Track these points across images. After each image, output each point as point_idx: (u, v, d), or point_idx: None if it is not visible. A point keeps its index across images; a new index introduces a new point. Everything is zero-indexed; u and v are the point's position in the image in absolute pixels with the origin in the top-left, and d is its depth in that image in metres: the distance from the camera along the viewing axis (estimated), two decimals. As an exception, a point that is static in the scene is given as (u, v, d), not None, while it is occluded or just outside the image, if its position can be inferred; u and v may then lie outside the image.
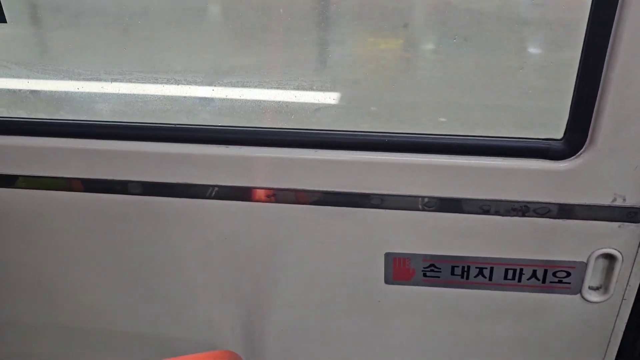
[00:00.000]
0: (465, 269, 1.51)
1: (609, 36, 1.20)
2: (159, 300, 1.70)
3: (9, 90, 1.84)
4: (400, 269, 1.54)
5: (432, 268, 1.52)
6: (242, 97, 1.62)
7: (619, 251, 1.42)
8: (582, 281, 1.48)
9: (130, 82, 1.68)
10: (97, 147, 1.52)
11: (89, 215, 1.61)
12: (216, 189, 1.51)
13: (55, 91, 1.77)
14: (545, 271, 1.48)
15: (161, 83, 1.66)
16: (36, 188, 1.59)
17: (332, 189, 1.47)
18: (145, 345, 1.79)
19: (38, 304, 1.77)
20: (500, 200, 1.41)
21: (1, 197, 1.61)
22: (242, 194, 1.51)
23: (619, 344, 1.57)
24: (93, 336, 1.80)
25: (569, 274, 1.47)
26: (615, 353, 1.58)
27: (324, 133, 1.48)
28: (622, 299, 1.49)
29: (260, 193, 1.50)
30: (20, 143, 1.55)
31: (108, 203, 1.57)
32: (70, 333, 1.81)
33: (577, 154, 1.33)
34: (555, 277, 1.48)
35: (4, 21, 1.55)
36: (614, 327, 1.53)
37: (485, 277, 1.51)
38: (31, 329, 1.83)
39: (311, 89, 1.60)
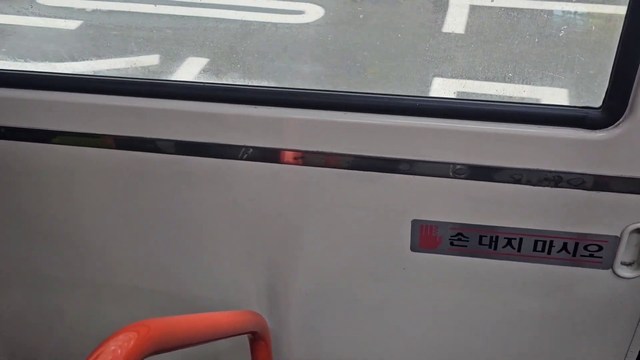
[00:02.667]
0: (494, 239, 1.48)
1: None
2: (185, 258, 1.71)
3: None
4: (427, 237, 1.52)
5: (460, 237, 1.50)
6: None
7: None
8: (614, 256, 1.44)
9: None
10: (129, 104, 1.52)
11: (119, 173, 1.62)
12: (245, 149, 1.50)
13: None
14: (577, 244, 1.44)
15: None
16: (69, 144, 1.60)
17: (361, 153, 1.45)
18: (172, 303, 1.81)
19: (68, 259, 1.81)
20: (533, 170, 1.37)
21: (36, 152, 1.63)
22: (271, 155, 1.50)
23: None
24: (120, 291, 1.83)
25: (600, 248, 1.44)
26: None
27: (354, 95, 1.45)
28: None
29: (289, 155, 1.49)
30: (54, 98, 1.56)
31: (138, 161, 1.57)
32: (98, 288, 1.85)
33: (615, 124, 1.28)
34: (586, 250, 1.45)
35: None
36: None
37: (513, 248, 1.48)
38: (60, 282, 1.87)
39: None
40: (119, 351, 0.90)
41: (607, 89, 1.27)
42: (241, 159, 1.51)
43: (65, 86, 1.57)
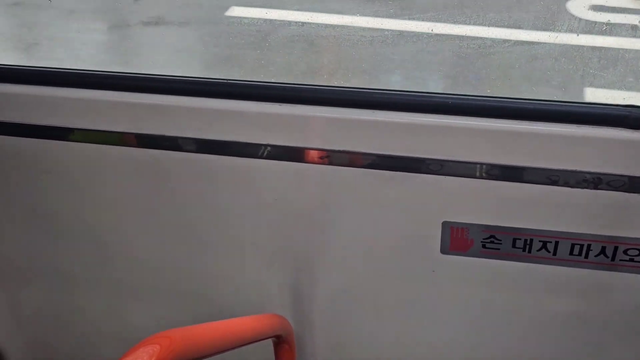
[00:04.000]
0: (528, 242, 1.43)
1: None
2: (207, 258, 1.68)
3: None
4: (458, 239, 1.47)
5: (492, 239, 1.44)
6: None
7: None
8: None
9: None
10: (150, 101, 1.49)
11: (140, 171, 1.59)
12: (269, 148, 1.46)
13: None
14: (616, 248, 1.38)
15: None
16: (89, 142, 1.57)
17: (389, 153, 1.40)
18: (192, 303, 1.78)
19: (88, 257, 1.78)
20: (571, 171, 1.31)
21: (54, 149, 1.60)
22: (295, 154, 1.45)
23: None
24: (141, 291, 1.81)
25: (641, 253, 1.37)
26: None
27: (382, 93, 1.40)
28: None
29: (314, 154, 1.45)
30: (74, 95, 1.53)
31: (160, 159, 1.54)
32: (118, 287, 1.82)
33: None
34: (626, 254, 1.38)
35: None
36: None
37: (549, 252, 1.42)
38: (82, 281, 1.85)
39: None
40: (142, 364, 0.86)
41: (653, 86, 1.21)
42: (265, 157, 1.47)
43: (84, 83, 1.54)
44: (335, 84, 1.43)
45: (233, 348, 1.19)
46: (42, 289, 1.90)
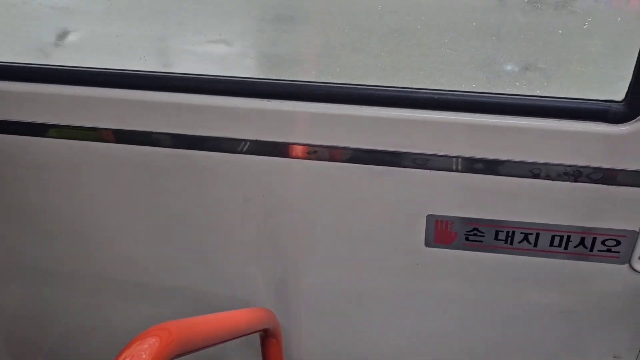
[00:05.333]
0: (510, 234, 1.46)
1: None
2: (192, 253, 1.68)
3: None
4: (442, 232, 1.50)
5: (476, 232, 1.48)
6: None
7: None
8: (632, 251, 1.42)
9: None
10: (133, 97, 1.48)
11: (124, 167, 1.58)
12: (255, 143, 1.47)
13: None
14: (594, 239, 1.43)
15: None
16: (71, 138, 1.57)
17: (374, 147, 1.42)
18: (180, 299, 1.78)
19: (70, 254, 1.77)
20: (552, 164, 1.35)
21: (35, 146, 1.59)
22: (281, 149, 1.47)
23: None
24: (125, 288, 1.80)
25: (618, 243, 1.42)
26: None
27: (367, 88, 1.42)
28: None
29: (300, 149, 1.46)
30: (55, 91, 1.52)
31: (146, 155, 1.54)
32: (105, 284, 1.81)
33: (638, 118, 1.26)
34: (604, 245, 1.43)
35: None
36: None
37: (530, 243, 1.46)
38: (64, 279, 1.84)
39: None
40: (144, 355, 0.86)
41: (630, 82, 1.25)
42: (251, 153, 1.48)
43: (63, 79, 1.53)
44: (322, 80, 1.44)
45: (225, 341, 1.20)
46: (24, 286, 1.88)
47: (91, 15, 2.22)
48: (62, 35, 2.09)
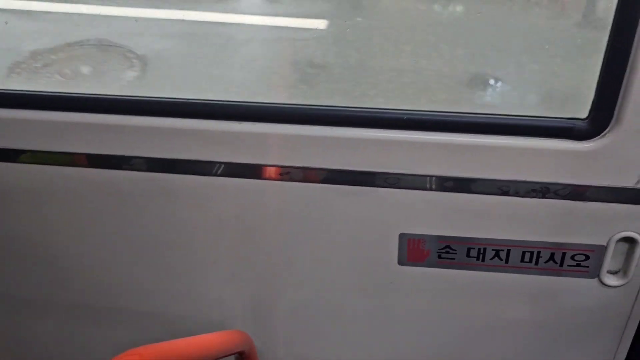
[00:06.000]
0: (482, 251, 1.48)
1: (639, 12, 1.16)
2: (167, 277, 1.67)
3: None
4: (415, 250, 1.51)
5: (448, 249, 1.49)
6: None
7: None
8: (601, 265, 1.44)
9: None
10: (104, 121, 1.48)
11: (96, 192, 1.57)
12: (228, 166, 1.47)
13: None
14: (564, 254, 1.45)
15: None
16: (42, 163, 1.55)
17: (346, 168, 1.43)
18: (154, 324, 1.76)
19: (42, 281, 1.75)
20: (520, 181, 1.37)
21: (8, 172, 1.57)
22: (254, 171, 1.47)
23: (635, 329, 1.54)
24: (101, 314, 1.78)
25: (587, 258, 1.44)
26: (631, 338, 1.56)
27: (338, 110, 1.43)
28: None
29: (273, 171, 1.47)
30: (25, 117, 1.51)
31: (117, 179, 1.53)
32: (78, 310, 1.79)
33: (601, 134, 1.29)
34: (573, 260, 1.45)
35: None
36: (631, 311, 1.51)
37: (501, 260, 1.48)
38: (36, 305, 1.81)
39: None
40: (113, 383, 0.86)
41: (593, 99, 1.28)
42: (224, 175, 1.49)
43: (36, 104, 1.52)
44: (292, 102, 1.46)
45: None
46: None
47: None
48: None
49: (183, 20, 2.14)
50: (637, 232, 1.39)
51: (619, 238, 1.40)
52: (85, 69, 2.00)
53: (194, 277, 1.66)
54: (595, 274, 1.46)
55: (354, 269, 1.57)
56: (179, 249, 1.63)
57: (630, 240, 1.41)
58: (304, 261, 1.58)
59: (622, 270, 1.46)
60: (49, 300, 1.80)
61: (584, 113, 1.30)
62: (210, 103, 1.46)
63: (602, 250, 1.42)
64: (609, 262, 1.44)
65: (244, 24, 2.17)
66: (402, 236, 1.49)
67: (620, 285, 1.46)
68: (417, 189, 1.43)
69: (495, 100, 1.69)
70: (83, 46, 2.06)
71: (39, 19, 2.29)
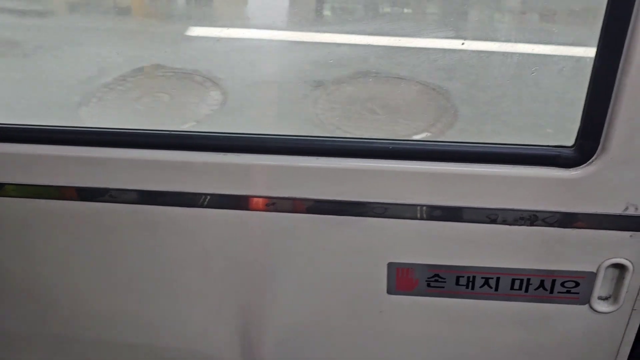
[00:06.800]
0: (471, 279, 1.47)
1: (624, 41, 1.16)
2: (153, 309, 1.65)
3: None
4: (404, 279, 1.49)
5: (437, 278, 1.48)
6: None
7: (629, 261, 1.38)
8: (591, 291, 1.43)
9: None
10: (86, 154, 1.46)
11: (80, 224, 1.55)
12: (213, 197, 1.45)
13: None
14: (554, 281, 1.44)
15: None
16: (21, 196, 1.53)
17: (334, 198, 1.42)
18: (140, 356, 1.73)
19: (28, 313, 1.72)
20: (508, 209, 1.36)
21: None
22: (240, 202, 1.45)
23: (627, 356, 1.53)
24: (86, 346, 1.75)
25: (577, 284, 1.43)
26: None
27: (324, 140, 1.43)
28: (632, 309, 1.45)
29: (259, 202, 1.45)
30: (6, 150, 1.49)
31: (102, 212, 1.51)
32: (63, 343, 1.76)
33: (588, 162, 1.28)
34: (563, 287, 1.44)
35: None
36: (623, 337, 1.50)
37: (491, 288, 1.47)
38: (23, 338, 1.78)
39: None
40: None
41: (579, 127, 1.27)
42: (209, 206, 1.47)
43: (17, 137, 1.50)
44: (276, 132, 1.45)
45: None
46: None
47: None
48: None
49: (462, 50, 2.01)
50: (626, 259, 1.38)
51: (608, 264, 1.39)
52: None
53: (180, 309, 1.64)
54: (586, 300, 1.45)
55: (343, 299, 1.55)
56: (165, 281, 1.60)
57: (620, 267, 1.40)
58: (292, 292, 1.56)
59: (612, 297, 1.44)
60: (33, 332, 1.76)
61: (570, 141, 1.30)
62: (193, 134, 1.45)
63: (592, 276, 1.41)
64: (599, 289, 1.43)
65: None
66: (390, 265, 1.48)
67: (611, 312, 1.45)
68: (404, 218, 1.41)
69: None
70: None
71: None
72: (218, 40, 2.23)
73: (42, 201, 1.52)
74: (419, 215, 1.40)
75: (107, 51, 2.22)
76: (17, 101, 1.97)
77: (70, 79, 2.11)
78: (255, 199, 1.44)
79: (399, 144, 1.38)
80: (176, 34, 2.35)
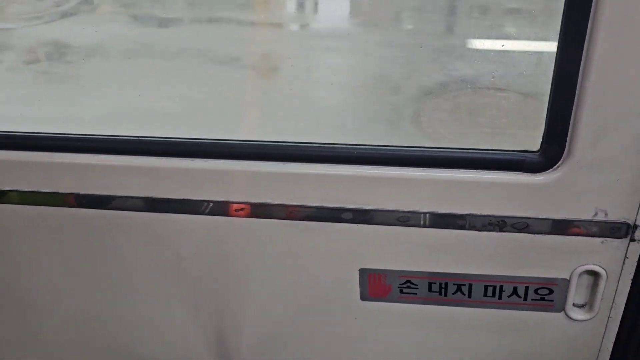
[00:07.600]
0: (443, 286, 1.45)
1: (583, 44, 1.14)
2: (129, 315, 1.66)
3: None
4: (376, 285, 1.48)
5: (409, 284, 1.46)
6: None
7: (602, 268, 1.35)
8: (566, 298, 1.41)
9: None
10: (64, 160, 1.48)
11: (55, 228, 1.57)
12: (184, 203, 1.46)
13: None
14: (527, 288, 1.41)
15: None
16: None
17: (305, 203, 1.41)
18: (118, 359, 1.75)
19: (7, 321, 1.74)
20: (476, 215, 1.34)
21: None
22: (214, 208, 1.46)
23: None
24: (63, 352, 1.77)
25: (551, 291, 1.41)
26: None
27: (294, 145, 1.42)
28: (608, 318, 1.42)
29: (233, 207, 1.45)
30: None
31: (74, 217, 1.52)
32: (40, 348, 1.78)
33: (554, 167, 1.26)
34: (537, 294, 1.42)
35: None
36: (600, 346, 1.46)
37: (464, 294, 1.45)
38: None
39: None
40: None
41: (544, 132, 1.25)
42: (183, 212, 1.47)
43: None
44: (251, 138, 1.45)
45: None
46: None
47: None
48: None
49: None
50: (599, 265, 1.35)
51: (582, 271, 1.36)
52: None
53: (158, 312, 1.65)
54: (561, 307, 1.42)
55: (317, 305, 1.55)
56: (143, 285, 1.61)
57: (594, 274, 1.37)
58: (267, 298, 1.56)
59: (588, 304, 1.42)
60: (12, 336, 1.78)
61: (536, 146, 1.28)
62: (161, 141, 1.45)
63: (565, 283, 1.39)
64: (573, 296, 1.40)
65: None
66: (362, 271, 1.47)
67: (587, 320, 1.42)
68: (374, 224, 1.40)
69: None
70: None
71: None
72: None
73: (23, 207, 1.55)
74: (388, 221, 1.39)
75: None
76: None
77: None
78: (227, 204, 1.45)
79: (366, 149, 1.37)
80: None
